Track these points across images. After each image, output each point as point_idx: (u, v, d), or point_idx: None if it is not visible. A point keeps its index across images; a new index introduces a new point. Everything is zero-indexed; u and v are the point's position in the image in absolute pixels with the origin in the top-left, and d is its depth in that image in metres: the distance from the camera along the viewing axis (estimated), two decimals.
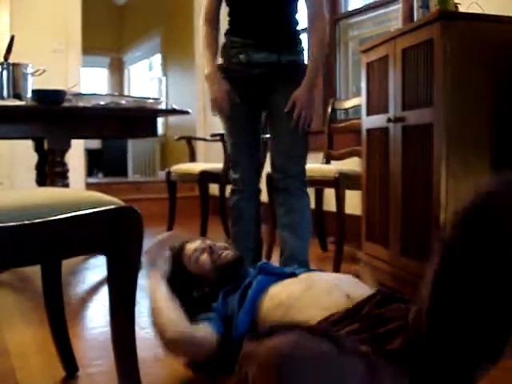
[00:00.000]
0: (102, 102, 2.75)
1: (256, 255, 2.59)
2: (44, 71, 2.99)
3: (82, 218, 1.23)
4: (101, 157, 8.78)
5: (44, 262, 1.53)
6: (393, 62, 2.41)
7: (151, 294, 1.66)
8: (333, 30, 4.34)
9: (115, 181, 7.27)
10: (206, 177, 3.74)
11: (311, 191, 3.60)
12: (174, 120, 7.76)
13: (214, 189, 4.20)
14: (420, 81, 2.21)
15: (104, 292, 2.68)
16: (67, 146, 2.76)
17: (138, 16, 9.44)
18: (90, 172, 8.01)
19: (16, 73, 2.84)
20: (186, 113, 3.14)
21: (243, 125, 2.53)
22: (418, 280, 1.28)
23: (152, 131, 3.06)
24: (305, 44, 2.54)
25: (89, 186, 5.49)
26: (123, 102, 2.83)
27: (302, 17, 2.54)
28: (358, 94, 3.73)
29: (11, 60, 2.91)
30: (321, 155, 3.69)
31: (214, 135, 4.19)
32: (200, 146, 5.78)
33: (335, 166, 3.33)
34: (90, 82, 9.63)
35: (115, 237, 1.28)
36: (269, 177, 2.86)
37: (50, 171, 2.75)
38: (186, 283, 1.80)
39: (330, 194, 3.47)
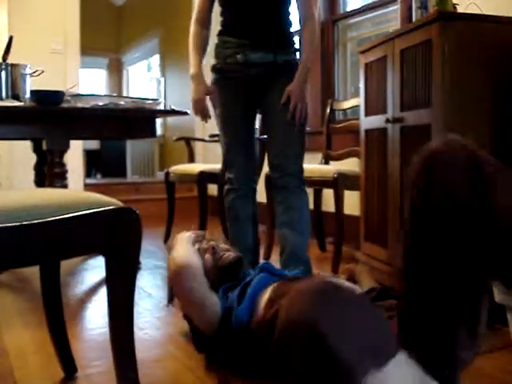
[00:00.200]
0: (101, 103, 2.75)
1: (254, 255, 2.59)
2: (42, 72, 2.99)
3: (80, 219, 1.23)
4: (99, 157, 8.77)
5: (43, 262, 1.53)
6: (391, 63, 2.41)
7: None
8: (331, 31, 4.35)
9: (114, 181, 7.26)
10: (204, 177, 3.74)
11: (310, 192, 3.60)
12: (173, 121, 7.75)
13: (212, 189, 4.20)
14: (418, 81, 2.21)
15: (103, 293, 2.68)
16: (66, 147, 2.76)
17: (137, 17, 9.44)
18: (88, 173, 8.01)
19: (14, 73, 2.84)
20: (185, 113, 3.14)
21: (239, 124, 2.54)
22: None
23: (151, 132, 3.06)
24: (298, 45, 2.57)
25: (87, 187, 5.48)
26: (122, 102, 2.83)
27: (294, 19, 2.56)
28: (356, 94, 3.74)
29: (9, 61, 2.91)
30: (319, 156, 3.70)
31: (212, 136, 4.19)
32: (199, 147, 5.78)
33: (334, 167, 3.33)
34: (89, 83, 9.63)
35: (114, 237, 1.28)
36: (267, 176, 2.87)
37: (49, 172, 2.74)
38: None
39: (328, 194, 3.47)
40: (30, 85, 2.92)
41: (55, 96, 2.63)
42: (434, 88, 2.10)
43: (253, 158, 2.60)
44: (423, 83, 2.18)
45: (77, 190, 2.05)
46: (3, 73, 2.80)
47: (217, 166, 3.79)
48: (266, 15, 2.45)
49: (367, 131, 2.70)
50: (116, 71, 10.49)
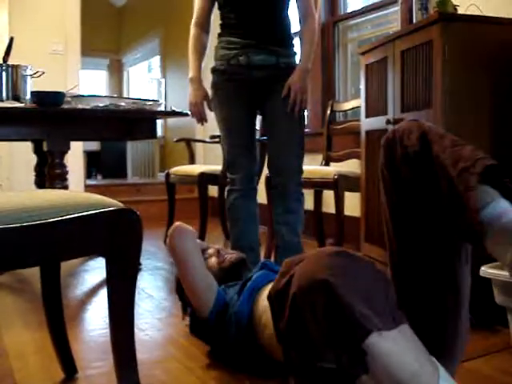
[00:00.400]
0: (101, 104, 2.75)
1: (256, 255, 2.59)
2: (43, 73, 2.99)
3: (81, 220, 1.23)
4: (100, 159, 8.77)
5: (43, 263, 1.53)
6: (392, 64, 2.41)
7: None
8: (332, 32, 4.35)
9: (114, 183, 7.26)
10: (205, 178, 3.74)
11: (310, 193, 3.61)
12: (173, 122, 7.75)
13: (213, 190, 4.20)
14: (419, 83, 2.21)
15: (103, 294, 2.68)
16: (66, 148, 2.76)
17: (137, 18, 9.44)
18: (88, 174, 8.01)
19: (15, 74, 2.84)
20: (185, 115, 3.13)
21: (242, 126, 2.55)
22: None
23: (151, 133, 3.06)
24: (297, 46, 2.60)
25: (88, 188, 5.48)
26: (122, 103, 2.83)
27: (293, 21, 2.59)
28: (357, 95, 3.74)
29: (10, 62, 2.91)
30: (320, 157, 3.70)
31: (213, 137, 4.19)
32: (199, 148, 5.78)
33: (334, 168, 3.33)
34: (90, 84, 9.63)
35: (114, 239, 1.28)
36: (268, 177, 2.87)
37: (50, 173, 2.74)
38: None
39: (329, 195, 3.47)
40: (31, 86, 2.92)
41: (56, 97, 2.63)
42: (434, 89, 2.10)
43: (255, 160, 2.61)
44: (424, 84, 2.18)
45: (77, 191, 2.05)
46: (4, 74, 2.80)
47: (217, 168, 3.80)
48: (268, 15, 2.47)
49: (368, 132, 2.70)
50: (116, 72, 10.49)
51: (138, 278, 1.34)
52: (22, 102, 2.75)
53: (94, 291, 2.81)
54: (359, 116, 2.85)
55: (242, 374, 1.66)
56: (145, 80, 9.67)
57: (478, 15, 2.31)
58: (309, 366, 1.03)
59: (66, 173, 2.79)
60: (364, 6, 4.10)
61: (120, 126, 2.92)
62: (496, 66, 2.14)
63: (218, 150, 3.99)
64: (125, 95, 9.79)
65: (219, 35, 2.57)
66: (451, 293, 1.24)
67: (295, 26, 2.58)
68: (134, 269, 1.35)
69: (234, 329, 1.67)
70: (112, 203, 1.31)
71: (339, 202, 3.02)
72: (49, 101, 2.61)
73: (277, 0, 2.48)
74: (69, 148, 2.77)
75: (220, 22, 2.58)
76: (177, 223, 1.86)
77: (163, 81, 8.49)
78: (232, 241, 2.58)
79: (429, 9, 2.33)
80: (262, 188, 2.76)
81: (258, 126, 2.75)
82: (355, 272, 1.01)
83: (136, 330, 1.36)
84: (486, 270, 1.78)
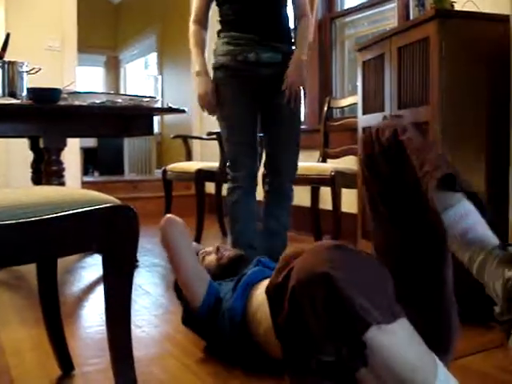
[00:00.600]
0: (98, 101, 2.74)
1: (255, 252, 2.60)
2: (39, 70, 2.98)
3: (77, 217, 1.23)
4: (96, 155, 8.75)
5: (40, 260, 1.53)
6: (389, 61, 2.41)
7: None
8: (329, 29, 4.35)
9: (111, 179, 7.25)
10: (202, 175, 3.74)
11: (307, 189, 3.61)
12: (170, 119, 7.74)
13: (209, 187, 4.20)
14: (416, 79, 2.21)
15: (100, 291, 2.67)
16: (63, 145, 2.75)
17: (134, 14, 9.42)
18: (85, 171, 7.99)
19: (11, 71, 2.83)
20: (182, 111, 3.13)
21: (247, 123, 2.55)
22: None
23: (148, 130, 3.05)
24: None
25: (85, 185, 5.48)
26: (119, 100, 2.82)
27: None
28: (354, 92, 3.74)
29: (6, 58, 2.90)
30: (317, 153, 3.70)
31: (210, 134, 4.19)
32: (196, 145, 5.77)
33: (331, 165, 3.33)
34: (86, 81, 9.61)
35: (111, 235, 1.28)
36: (264, 175, 2.87)
37: (46, 170, 2.73)
38: None
39: (325, 192, 3.47)
40: (27, 82, 2.91)
41: (52, 94, 2.62)
42: (431, 85, 2.10)
43: (257, 158, 2.62)
44: (421, 81, 2.18)
45: (74, 188, 2.04)
46: (0, 70, 2.79)
47: (214, 164, 3.80)
48: (269, 9, 2.49)
49: (365, 129, 2.70)
50: (113, 69, 10.47)
51: (135, 274, 1.34)
52: (18, 99, 2.74)
53: (90, 288, 2.81)
54: (356, 113, 2.85)
55: (238, 370, 1.66)
56: (141, 77, 9.65)
57: (474, 12, 2.31)
58: (308, 359, 1.03)
59: (63, 169, 2.78)
60: (361, 2, 4.09)
61: (117, 123, 2.91)
62: (493, 62, 2.14)
63: (214, 147, 3.99)
64: (121, 92, 9.76)
65: (220, 31, 2.57)
66: (436, 283, 1.29)
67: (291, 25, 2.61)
68: (131, 265, 1.35)
69: (228, 325, 1.67)
70: (108, 200, 1.30)
71: (336, 198, 3.03)
72: (45, 97, 2.60)
73: None
74: (65, 145, 2.77)
75: (219, 18, 2.57)
76: (167, 215, 1.91)
77: (160, 77, 8.47)
78: (233, 239, 2.58)
79: (426, 5, 2.33)
80: (259, 187, 2.75)
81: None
82: (355, 265, 1.02)
83: (133, 327, 1.36)
84: None
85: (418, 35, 2.18)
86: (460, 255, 1.20)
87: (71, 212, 1.22)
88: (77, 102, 2.73)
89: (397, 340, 0.98)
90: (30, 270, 1.70)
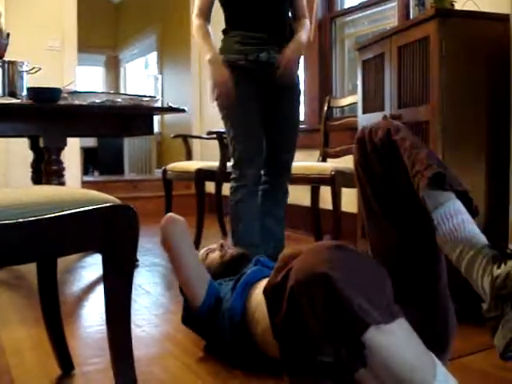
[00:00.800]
0: (98, 100, 2.74)
1: (258, 251, 2.60)
2: (39, 69, 2.98)
3: (77, 216, 1.23)
4: (96, 155, 8.75)
5: (40, 259, 1.53)
6: (389, 60, 2.41)
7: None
8: (329, 28, 4.34)
9: (111, 179, 7.25)
10: (202, 175, 3.74)
11: (307, 189, 3.61)
12: (170, 118, 7.74)
13: (209, 187, 4.20)
14: (416, 78, 2.21)
15: (100, 290, 2.67)
16: (63, 145, 2.75)
17: (134, 14, 9.42)
18: (85, 170, 7.99)
19: (11, 71, 2.83)
20: (182, 111, 3.13)
21: (255, 123, 2.55)
22: None
23: (148, 129, 3.05)
24: None
25: (85, 185, 5.47)
26: (119, 100, 2.82)
27: None
28: (354, 91, 3.74)
29: (6, 58, 2.90)
30: (317, 153, 3.70)
31: (210, 133, 4.18)
32: (196, 144, 5.77)
33: (331, 164, 3.33)
34: (86, 80, 9.61)
35: (111, 235, 1.28)
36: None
37: (46, 169, 2.73)
38: None
39: (325, 191, 3.47)
40: (27, 82, 2.91)
41: (52, 93, 2.62)
42: (431, 85, 2.10)
43: (263, 157, 2.63)
44: (421, 80, 2.18)
45: (74, 188, 2.04)
46: (0, 70, 2.79)
47: (214, 164, 3.79)
48: (276, 8, 2.51)
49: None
50: (113, 68, 10.47)
51: (135, 274, 1.34)
52: (18, 98, 2.74)
53: (90, 287, 2.81)
54: (356, 112, 2.85)
55: (238, 369, 1.66)
56: (142, 76, 9.65)
57: (474, 11, 2.31)
58: (306, 360, 1.03)
59: (63, 169, 2.78)
60: (361, 1, 4.09)
61: (117, 122, 2.91)
62: (493, 61, 2.14)
63: (215, 147, 3.99)
64: (121, 91, 9.76)
65: (228, 30, 2.56)
66: (431, 279, 1.30)
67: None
68: (131, 265, 1.35)
69: (228, 325, 1.67)
70: (109, 199, 1.30)
71: (336, 198, 3.02)
72: (45, 97, 2.60)
73: None
74: (65, 144, 2.77)
75: (226, 17, 2.57)
76: (169, 214, 1.90)
77: (160, 77, 8.47)
78: (236, 238, 2.56)
79: (426, 4, 2.33)
80: None
81: None
82: (354, 266, 1.02)
83: (133, 326, 1.36)
84: None
85: (418, 34, 2.18)
86: (449, 253, 1.22)
87: (71, 211, 1.22)
88: (77, 102, 2.73)
89: (395, 340, 0.98)
90: (30, 269, 1.70)
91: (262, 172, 2.64)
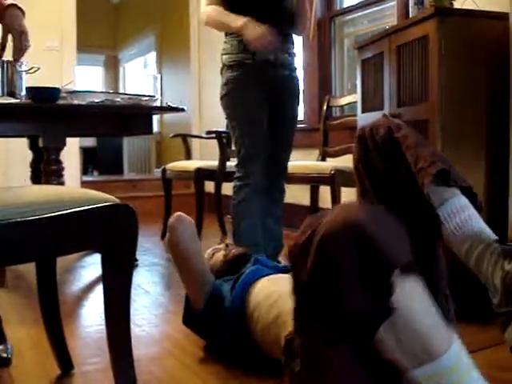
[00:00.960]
0: (97, 100, 2.74)
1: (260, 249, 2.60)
2: (38, 69, 2.97)
3: (76, 216, 1.23)
4: (96, 155, 8.75)
5: (39, 259, 1.53)
6: (388, 59, 2.41)
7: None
8: (328, 27, 4.34)
9: (111, 179, 7.25)
10: (201, 174, 3.74)
11: (307, 188, 3.61)
12: (170, 118, 7.74)
13: (209, 186, 4.19)
14: (415, 77, 2.21)
15: (99, 290, 2.67)
16: (62, 144, 2.75)
17: (133, 14, 9.42)
18: (85, 170, 7.99)
19: (10, 70, 2.82)
20: (182, 110, 3.13)
21: (261, 122, 2.56)
22: None
23: (147, 129, 3.05)
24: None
25: (84, 184, 5.47)
26: (118, 99, 2.82)
27: None
28: (353, 90, 3.74)
29: (5, 57, 2.89)
30: (316, 152, 3.69)
31: (209, 132, 4.18)
32: (195, 144, 5.77)
33: (331, 163, 3.33)
34: (85, 80, 9.61)
35: (110, 234, 1.28)
36: None
37: (45, 169, 2.73)
38: None
39: (325, 191, 3.47)
40: (26, 82, 2.91)
41: (51, 93, 2.62)
42: (430, 84, 2.09)
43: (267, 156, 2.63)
44: (420, 79, 2.17)
45: (73, 187, 2.03)
46: None
47: (214, 163, 3.79)
48: (282, 8, 2.53)
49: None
50: (112, 68, 10.47)
51: (135, 273, 1.33)
52: (17, 98, 2.73)
53: (90, 287, 2.80)
54: (355, 111, 2.85)
55: (238, 369, 1.66)
56: (141, 76, 9.65)
57: (474, 9, 2.30)
58: (331, 315, 1.00)
59: (62, 169, 2.78)
60: (360, 0, 4.09)
61: (116, 122, 2.91)
62: (492, 60, 2.14)
63: (214, 146, 3.99)
64: (121, 91, 9.75)
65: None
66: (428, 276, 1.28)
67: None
68: (130, 264, 1.35)
69: (228, 325, 1.67)
70: (108, 199, 1.30)
71: (335, 197, 3.02)
72: (44, 96, 2.60)
73: None
74: (65, 144, 2.76)
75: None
76: (177, 213, 1.89)
77: (159, 76, 8.47)
78: (237, 237, 2.56)
79: (425, 3, 2.32)
80: None
81: None
82: (383, 218, 1.01)
83: (132, 326, 1.36)
84: None
85: (418, 33, 2.18)
86: (457, 248, 1.22)
87: (70, 211, 1.22)
88: (76, 101, 2.72)
89: (419, 289, 0.98)
90: (29, 269, 1.70)
91: None
